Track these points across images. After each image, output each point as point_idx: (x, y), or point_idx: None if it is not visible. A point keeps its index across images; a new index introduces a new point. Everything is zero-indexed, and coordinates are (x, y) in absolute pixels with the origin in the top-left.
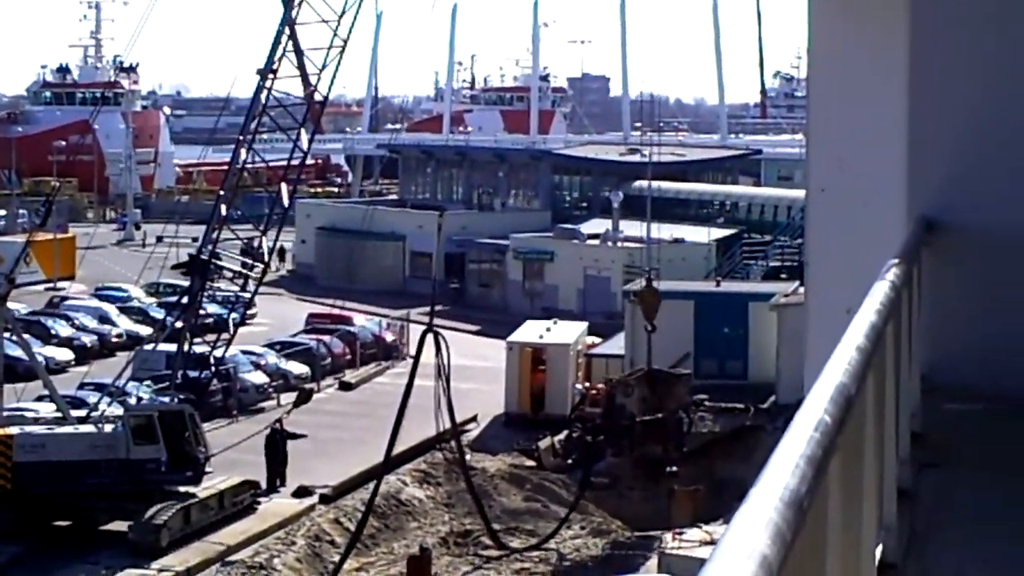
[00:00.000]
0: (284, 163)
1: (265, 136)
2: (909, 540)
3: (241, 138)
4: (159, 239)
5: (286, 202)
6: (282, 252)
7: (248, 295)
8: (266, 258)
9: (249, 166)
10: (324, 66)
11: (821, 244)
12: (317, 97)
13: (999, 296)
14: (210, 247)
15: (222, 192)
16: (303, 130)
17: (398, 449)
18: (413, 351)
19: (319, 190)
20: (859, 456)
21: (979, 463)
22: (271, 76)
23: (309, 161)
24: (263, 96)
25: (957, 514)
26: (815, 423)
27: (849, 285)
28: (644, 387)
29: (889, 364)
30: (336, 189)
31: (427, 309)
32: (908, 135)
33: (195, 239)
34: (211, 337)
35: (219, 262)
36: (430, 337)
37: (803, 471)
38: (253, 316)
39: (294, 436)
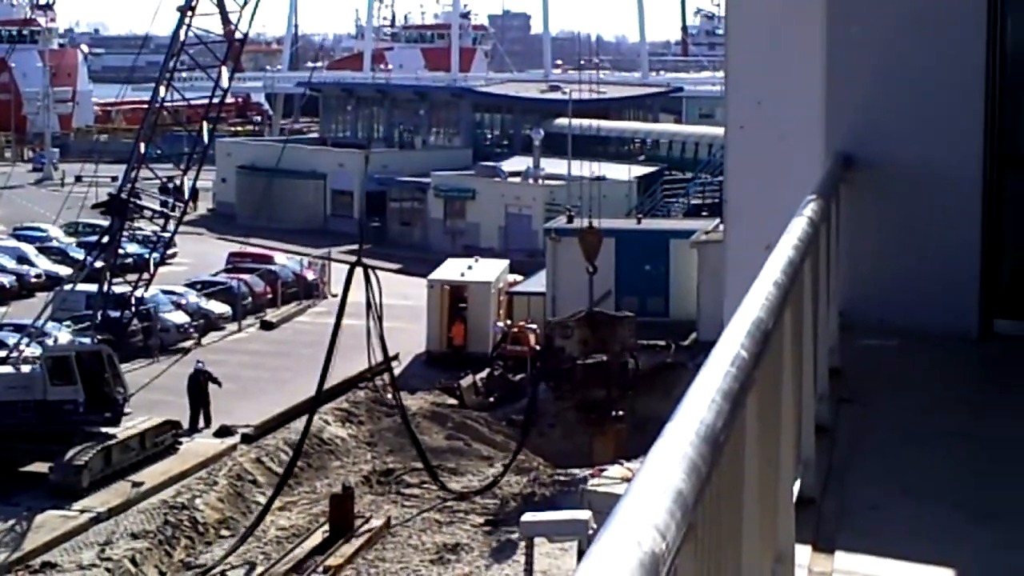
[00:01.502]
0: (204, 102)
1: (185, 74)
2: (827, 475)
3: (160, 76)
4: (78, 178)
5: (206, 140)
6: (195, 193)
7: (168, 235)
8: (186, 197)
9: (169, 104)
10: (244, 3)
11: (740, 181)
12: (237, 35)
13: (915, 232)
14: (129, 186)
15: (141, 131)
16: (223, 68)
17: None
18: (337, 288)
19: (239, 128)
20: (777, 391)
21: (895, 398)
22: (190, 13)
23: (229, 100)
24: (183, 33)
25: (874, 448)
26: (732, 358)
27: (768, 222)
28: (584, 329)
29: (807, 300)
30: (255, 127)
31: (348, 248)
32: (825, 72)
33: (114, 178)
34: (131, 277)
35: (139, 201)
36: (359, 272)
37: (719, 406)
38: (173, 256)
39: (214, 380)
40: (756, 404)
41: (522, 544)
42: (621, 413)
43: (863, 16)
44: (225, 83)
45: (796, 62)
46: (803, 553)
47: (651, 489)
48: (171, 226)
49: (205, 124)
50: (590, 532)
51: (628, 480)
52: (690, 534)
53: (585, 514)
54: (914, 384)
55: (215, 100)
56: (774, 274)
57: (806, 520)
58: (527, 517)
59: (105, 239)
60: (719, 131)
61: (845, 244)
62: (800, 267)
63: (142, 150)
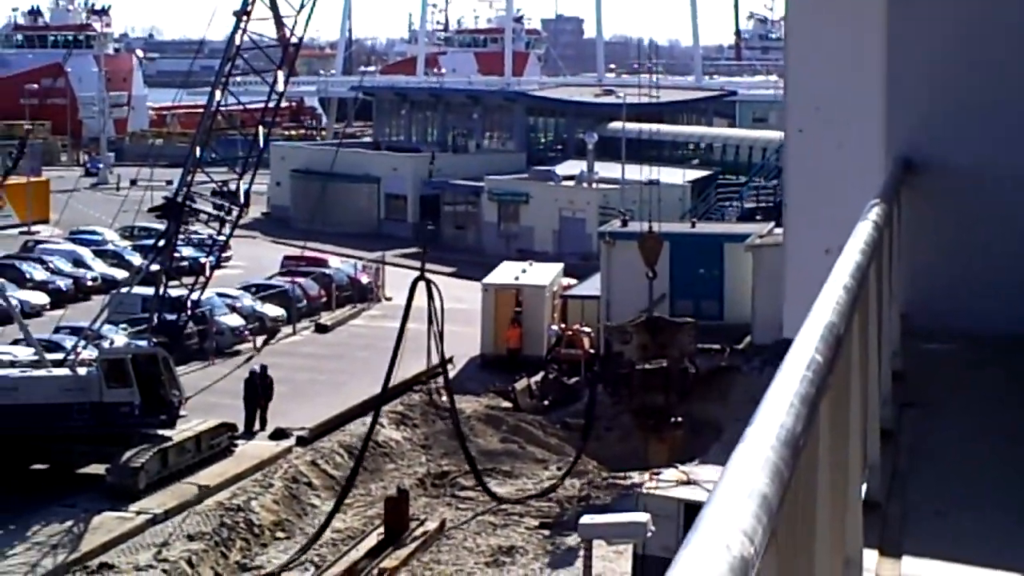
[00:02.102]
0: (259, 106)
1: (239, 79)
2: (891, 479)
3: (216, 80)
4: (133, 182)
5: (261, 144)
6: (247, 197)
7: (223, 238)
8: (242, 200)
9: (224, 109)
10: (301, 7)
11: (799, 185)
12: (292, 39)
13: (976, 236)
14: (185, 190)
15: (197, 135)
16: (279, 72)
17: (373, 391)
18: (391, 292)
19: (292, 133)
20: (846, 396)
21: (958, 402)
22: (246, 18)
23: (283, 104)
24: (238, 38)
25: (937, 453)
26: (807, 362)
27: (827, 225)
28: (644, 334)
29: (872, 304)
30: (308, 131)
31: (402, 251)
32: (886, 76)
33: (169, 182)
34: (187, 280)
35: (195, 205)
36: (422, 284)
37: (797, 410)
38: (228, 259)
39: (270, 388)
40: (828, 408)
41: (577, 547)
42: (680, 419)
43: (923, 20)
44: (281, 87)
45: (855, 66)
46: (870, 557)
47: (737, 493)
48: (226, 230)
49: (260, 128)
50: (648, 535)
51: (683, 483)
52: (773, 538)
53: (643, 516)
54: (976, 388)
55: (270, 104)
56: (843, 278)
57: (872, 524)
58: (585, 519)
59: (161, 243)
60: (773, 135)
61: (906, 247)
62: (867, 271)
63: (198, 154)
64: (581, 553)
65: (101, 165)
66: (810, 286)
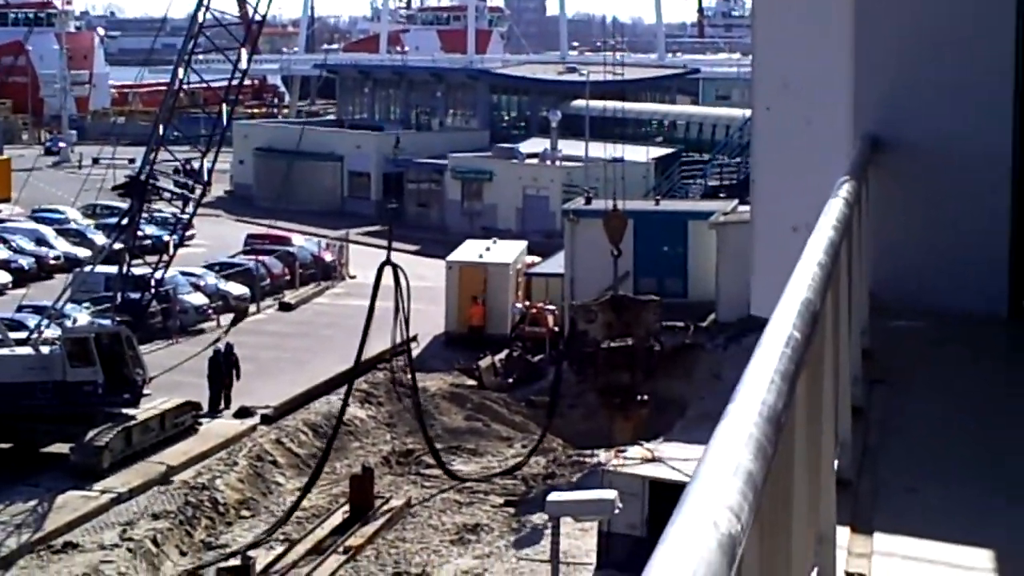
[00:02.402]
0: (222, 84)
1: (202, 56)
2: (862, 456)
3: (179, 58)
4: (95, 161)
5: (225, 122)
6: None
7: (187, 216)
8: (205, 179)
9: (186, 87)
10: None
11: (767, 162)
12: (257, 17)
13: (944, 213)
14: (148, 168)
15: (160, 113)
16: (243, 50)
17: (337, 369)
18: (355, 270)
19: (255, 111)
20: (820, 373)
21: (927, 379)
22: None
23: (246, 82)
24: (201, 15)
25: (907, 429)
26: (785, 338)
27: (795, 203)
28: (608, 313)
29: (843, 281)
30: (269, 109)
31: (365, 229)
32: (853, 53)
33: (132, 161)
34: (151, 259)
35: (158, 183)
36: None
37: (778, 386)
38: (192, 237)
39: (237, 367)
40: (804, 385)
41: (542, 525)
42: (646, 397)
43: None
44: (244, 65)
45: (823, 43)
46: (842, 534)
47: (722, 470)
48: (190, 208)
49: (224, 106)
50: (616, 512)
51: (649, 461)
52: (758, 516)
53: (611, 494)
54: (945, 365)
55: (234, 82)
56: (816, 255)
57: (844, 501)
58: (553, 497)
59: (124, 221)
60: (736, 112)
61: (874, 225)
62: (839, 248)
63: (160, 132)
64: (548, 530)
65: (63, 143)
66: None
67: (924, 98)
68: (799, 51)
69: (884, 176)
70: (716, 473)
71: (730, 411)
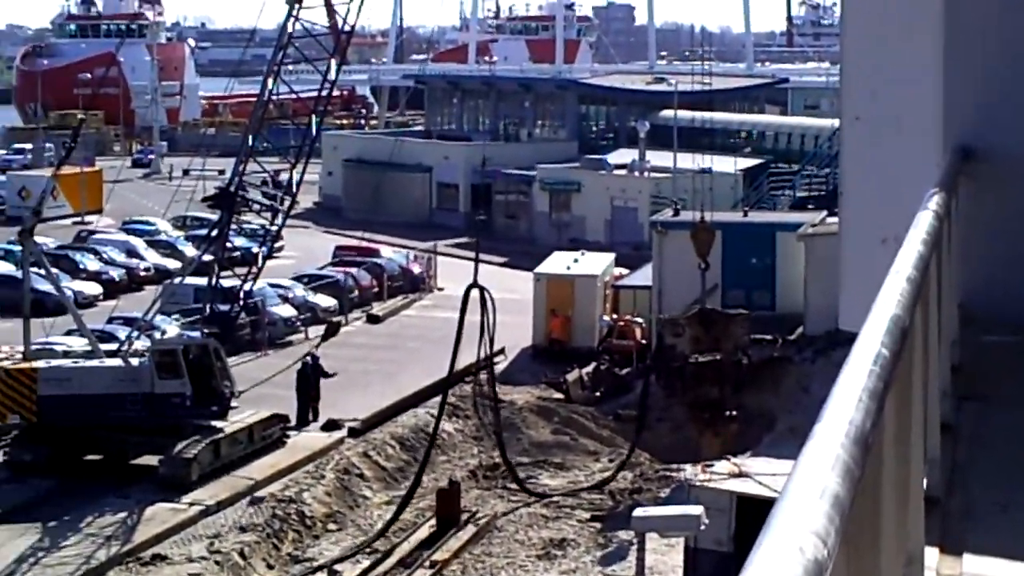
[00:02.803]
0: (311, 95)
1: (291, 67)
2: (951, 474)
3: (269, 69)
4: (185, 172)
5: (314, 133)
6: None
7: (276, 228)
8: (294, 190)
9: (276, 98)
10: None
11: (856, 173)
12: (345, 27)
13: None
14: (238, 180)
15: (250, 124)
16: (332, 61)
17: (425, 382)
18: (443, 282)
19: (344, 122)
20: (909, 390)
21: (1017, 395)
22: (298, 6)
23: (335, 93)
24: (290, 26)
25: (998, 447)
26: (874, 356)
27: (884, 215)
28: (696, 327)
29: (933, 295)
30: (356, 120)
31: (454, 241)
32: (944, 63)
33: (222, 172)
34: (240, 270)
35: (248, 195)
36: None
37: (866, 405)
38: (280, 249)
39: (325, 373)
40: (893, 403)
41: (628, 540)
42: (735, 413)
43: (981, 4)
44: (333, 76)
45: (912, 52)
46: (931, 555)
47: (808, 493)
48: (279, 220)
49: (313, 117)
50: (702, 528)
51: (736, 476)
52: (845, 539)
53: (697, 509)
54: None
55: (323, 93)
56: (906, 269)
57: (933, 521)
58: (639, 512)
59: (214, 232)
60: (825, 123)
61: (964, 237)
62: (929, 262)
63: (250, 143)
64: (635, 546)
65: (153, 154)
66: (866, 276)
67: (1015, 108)
68: (888, 60)
69: (974, 187)
70: (802, 496)
71: (817, 431)
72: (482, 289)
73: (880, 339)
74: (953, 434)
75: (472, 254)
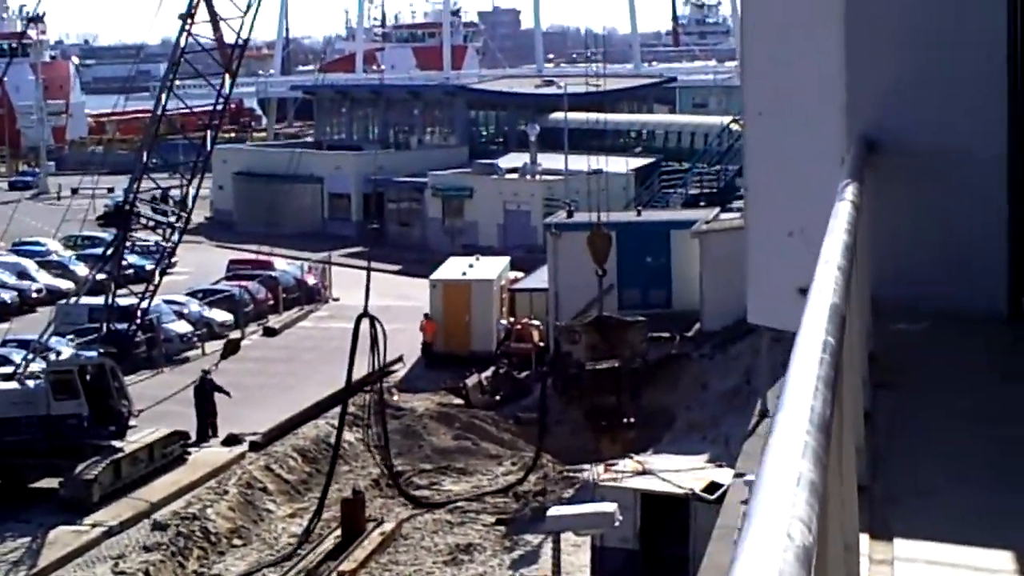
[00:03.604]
0: (199, 109)
1: (177, 82)
2: (874, 461)
3: (163, 84)
4: (74, 191)
5: (209, 148)
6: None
7: (172, 245)
8: (189, 206)
9: (167, 113)
10: (248, 8)
11: (760, 168)
12: (239, 40)
13: (942, 214)
14: (132, 197)
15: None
16: (227, 75)
17: (323, 393)
18: (336, 293)
19: (233, 135)
20: (848, 377)
21: (930, 381)
22: (190, 20)
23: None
24: (183, 40)
25: (916, 433)
26: (822, 344)
27: (790, 208)
28: (593, 334)
29: (855, 284)
30: (240, 133)
31: (347, 251)
32: (846, 55)
33: (111, 190)
34: (136, 288)
35: (143, 212)
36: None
37: (824, 394)
38: (173, 265)
39: (221, 390)
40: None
41: (536, 542)
42: (632, 420)
43: None
44: (227, 90)
45: (814, 45)
46: (862, 541)
47: (785, 480)
48: (175, 236)
49: (208, 132)
50: (616, 524)
51: (640, 474)
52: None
53: (611, 507)
54: (947, 366)
55: (218, 107)
56: (835, 258)
57: (861, 508)
58: (553, 512)
59: (109, 251)
60: (714, 120)
61: (871, 227)
62: (855, 251)
63: (144, 160)
64: (542, 548)
65: (39, 174)
66: (774, 270)
67: (918, 98)
68: (790, 54)
69: (880, 178)
70: (780, 484)
71: (779, 420)
72: (372, 318)
73: (824, 327)
74: (871, 422)
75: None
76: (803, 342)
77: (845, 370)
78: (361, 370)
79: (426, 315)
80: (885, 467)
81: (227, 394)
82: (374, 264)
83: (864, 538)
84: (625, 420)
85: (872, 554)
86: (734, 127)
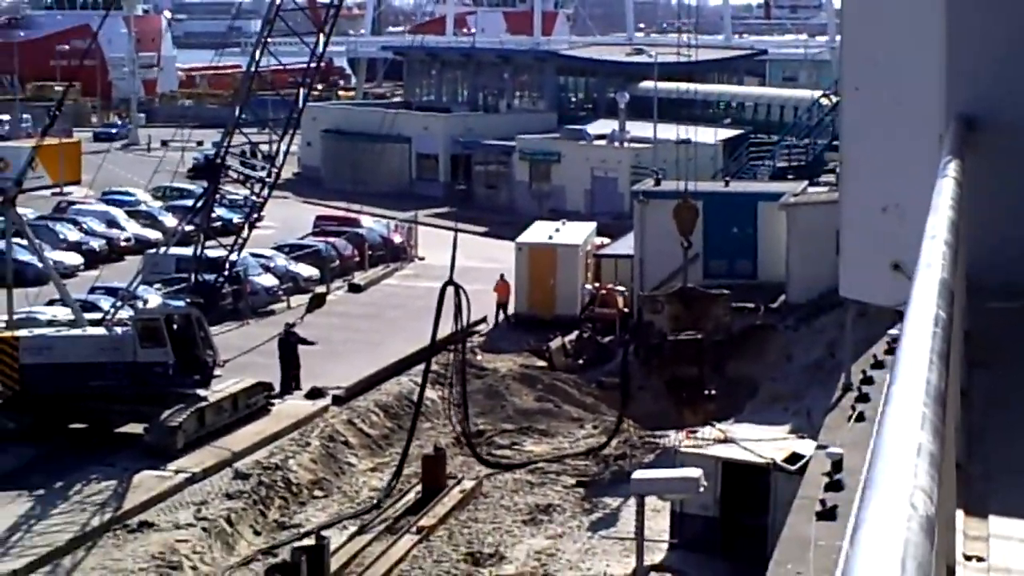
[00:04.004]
0: (295, 66)
1: (270, 39)
2: (968, 440)
3: (258, 41)
4: (164, 143)
5: (301, 105)
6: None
7: (262, 199)
8: (279, 161)
9: (261, 69)
10: None
11: (856, 143)
12: (332, 0)
13: None
14: (224, 151)
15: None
16: (321, 34)
17: (407, 350)
18: (421, 252)
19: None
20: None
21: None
22: None
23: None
24: None
25: (1011, 412)
26: (933, 318)
27: (885, 184)
28: (676, 305)
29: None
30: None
31: (433, 211)
32: (946, 31)
33: (200, 143)
34: (225, 240)
35: (233, 165)
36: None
37: (938, 367)
38: (261, 219)
39: (305, 342)
40: None
41: (615, 505)
42: (713, 392)
43: None
44: (321, 48)
45: (914, 20)
46: (958, 518)
47: (905, 451)
48: (264, 191)
49: (301, 90)
50: (700, 490)
51: (721, 442)
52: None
53: (696, 472)
54: None
55: (311, 65)
56: (942, 234)
57: (957, 485)
58: (638, 475)
59: (199, 203)
60: (803, 94)
61: (968, 204)
62: (959, 228)
63: (236, 114)
64: (621, 511)
65: (130, 126)
66: (866, 244)
67: (1020, 76)
68: (889, 29)
69: (977, 156)
70: (901, 454)
71: (895, 392)
72: (457, 286)
73: (935, 302)
74: (967, 399)
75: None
76: (915, 316)
77: (954, 346)
78: (445, 331)
79: (501, 276)
80: (980, 445)
81: (312, 344)
82: (460, 225)
83: (959, 515)
84: (707, 392)
85: (967, 530)
86: (824, 101)
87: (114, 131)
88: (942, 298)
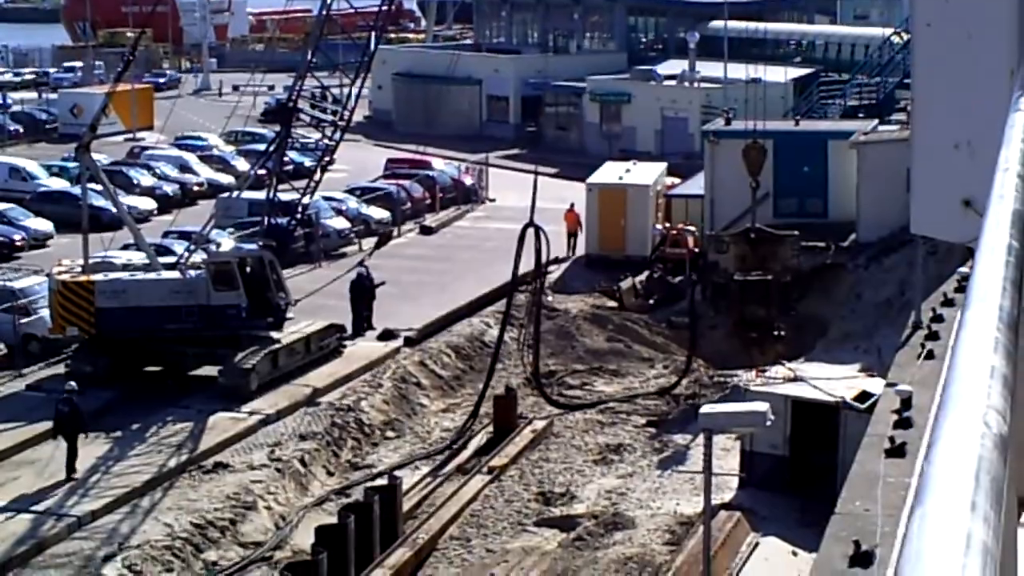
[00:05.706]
0: (359, 10)
1: None
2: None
3: None
4: (236, 88)
5: (373, 48)
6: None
7: (334, 143)
8: (351, 104)
9: (332, 13)
10: None
11: (927, 80)
12: None
13: None
14: (296, 94)
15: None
16: None
17: (478, 292)
18: (492, 194)
19: (393, 36)
20: None
21: None
22: None
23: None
24: None
25: None
26: (1006, 247)
27: (956, 121)
28: (742, 245)
29: None
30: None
31: (504, 152)
32: None
33: (271, 88)
34: (297, 184)
35: (306, 109)
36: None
37: (1011, 294)
38: (333, 162)
39: (374, 283)
40: None
41: (683, 443)
42: (782, 332)
43: None
44: None
45: None
46: None
47: (979, 372)
48: (336, 135)
49: (373, 34)
50: (768, 424)
51: (791, 380)
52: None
53: (763, 406)
54: None
55: (383, 8)
56: (1015, 167)
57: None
58: (705, 409)
59: (271, 147)
60: (875, 32)
61: None
62: None
63: (308, 58)
64: (690, 450)
65: (191, 73)
66: (938, 181)
67: None
68: None
69: None
70: (975, 375)
71: (968, 318)
72: (537, 228)
73: (1008, 231)
74: None
75: (526, 166)
76: (988, 245)
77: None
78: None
79: (571, 205)
80: None
81: (381, 284)
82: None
83: None
84: (775, 332)
85: None
86: (895, 39)
87: (162, 81)
88: (1016, 228)
